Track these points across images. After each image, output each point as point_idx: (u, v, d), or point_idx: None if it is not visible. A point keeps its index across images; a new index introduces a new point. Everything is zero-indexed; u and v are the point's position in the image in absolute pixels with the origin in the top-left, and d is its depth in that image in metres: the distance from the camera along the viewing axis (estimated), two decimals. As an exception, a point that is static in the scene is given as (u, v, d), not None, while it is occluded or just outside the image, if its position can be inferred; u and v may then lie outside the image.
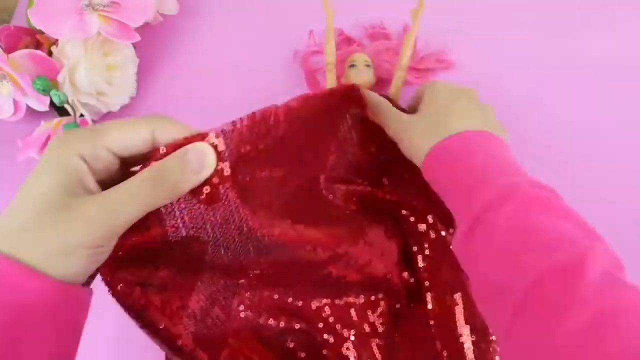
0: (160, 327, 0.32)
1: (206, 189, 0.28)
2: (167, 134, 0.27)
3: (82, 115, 0.51)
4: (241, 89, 0.56)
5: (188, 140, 0.27)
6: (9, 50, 0.49)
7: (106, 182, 0.26)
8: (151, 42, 0.58)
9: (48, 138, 0.49)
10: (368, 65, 0.49)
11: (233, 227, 0.31)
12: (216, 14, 0.61)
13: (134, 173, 0.26)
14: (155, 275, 0.32)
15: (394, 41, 0.55)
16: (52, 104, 0.50)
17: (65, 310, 0.25)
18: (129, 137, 0.26)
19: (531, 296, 0.25)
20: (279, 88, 0.55)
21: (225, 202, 0.30)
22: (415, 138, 0.36)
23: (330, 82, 0.49)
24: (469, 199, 0.31)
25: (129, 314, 0.30)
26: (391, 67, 0.50)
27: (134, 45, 0.55)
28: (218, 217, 0.30)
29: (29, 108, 0.50)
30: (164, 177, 0.26)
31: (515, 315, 0.25)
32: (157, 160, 0.26)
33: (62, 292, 0.24)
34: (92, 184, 0.25)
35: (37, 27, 0.49)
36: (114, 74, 0.53)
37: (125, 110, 0.55)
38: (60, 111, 0.51)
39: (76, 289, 0.25)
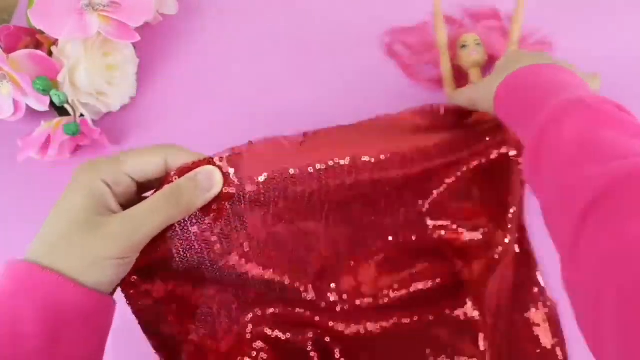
0: (167, 336, 0.34)
1: (214, 206, 0.32)
2: (178, 159, 0.31)
3: (82, 115, 0.51)
4: (241, 89, 0.56)
5: (196, 164, 0.31)
6: (9, 50, 0.49)
7: (125, 206, 0.30)
8: (151, 42, 0.58)
9: (48, 138, 0.49)
10: (479, 44, 0.51)
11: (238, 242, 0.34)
12: (216, 14, 0.61)
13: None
14: (170, 286, 0.34)
15: (501, 20, 0.56)
16: (52, 104, 0.50)
17: (96, 315, 0.28)
18: (145, 164, 0.30)
19: (597, 204, 0.25)
20: (278, 87, 0.55)
21: (230, 219, 0.33)
22: (489, 87, 0.38)
23: (444, 65, 0.51)
24: (533, 116, 0.32)
25: (140, 321, 0.33)
26: (500, 45, 0.53)
27: (134, 45, 0.55)
28: (224, 231, 0.33)
29: (29, 108, 0.50)
30: (178, 196, 0.29)
31: (580, 224, 0.25)
32: (168, 183, 0.30)
33: (94, 299, 0.27)
34: (114, 205, 0.29)
35: (37, 27, 0.49)
36: (114, 74, 0.53)
37: (125, 110, 0.55)
38: (60, 111, 0.51)
39: (105, 297, 0.28)
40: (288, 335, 0.39)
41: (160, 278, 0.33)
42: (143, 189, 0.32)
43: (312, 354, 0.39)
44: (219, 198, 0.31)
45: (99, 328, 0.29)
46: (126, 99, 0.55)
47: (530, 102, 0.33)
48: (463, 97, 0.43)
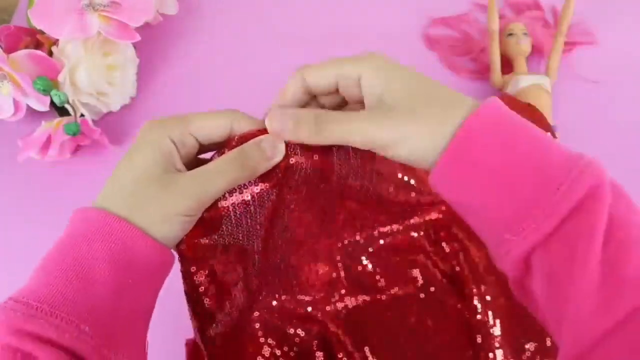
0: (206, 308, 0.34)
1: (273, 173, 0.32)
2: (243, 125, 0.31)
3: (82, 115, 0.51)
4: (241, 89, 0.56)
5: (260, 132, 0.31)
6: (9, 50, 0.49)
7: (186, 165, 0.30)
8: (151, 42, 0.58)
9: (49, 138, 0.49)
10: (525, 34, 0.52)
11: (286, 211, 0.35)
12: (216, 14, 0.61)
13: (205, 161, 0.31)
14: (221, 251, 0.34)
15: (543, 11, 0.58)
16: (52, 104, 0.50)
17: (159, 269, 0.29)
18: (212, 127, 0.31)
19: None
20: (278, 86, 0.55)
21: (286, 187, 0.34)
22: (404, 141, 0.27)
23: (494, 50, 0.52)
24: (520, 219, 0.24)
25: (185, 285, 0.33)
26: (543, 36, 0.54)
27: (134, 45, 0.55)
28: (279, 198, 0.34)
29: (29, 108, 0.50)
30: (244, 160, 0.30)
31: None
32: (230, 148, 0.30)
33: (161, 253, 0.28)
34: (179, 164, 0.30)
35: (38, 27, 0.49)
36: (114, 74, 0.53)
37: (125, 110, 0.55)
38: (61, 111, 0.51)
39: (169, 252, 0.29)
40: (292, 330, 0.39)
41: (213, 251, 0.33)
42: (202, 151, 0.32)
43: (317, 353, 0.40)
44: (279, 167, 0.32)
45: (159, 282, 0.30)
46: (126, 99, 0.55)
47: (507, 195, 0.25)
48: (356, 131, 0.28)
